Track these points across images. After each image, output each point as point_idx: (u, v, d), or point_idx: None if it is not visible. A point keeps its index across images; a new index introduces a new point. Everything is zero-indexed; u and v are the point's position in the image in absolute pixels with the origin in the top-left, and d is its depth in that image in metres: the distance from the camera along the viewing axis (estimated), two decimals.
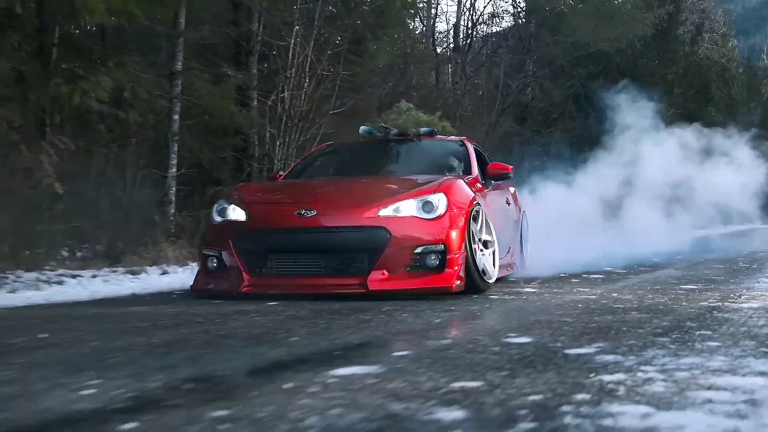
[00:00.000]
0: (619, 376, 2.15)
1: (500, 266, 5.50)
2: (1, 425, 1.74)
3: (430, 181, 5.09)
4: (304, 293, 4.57)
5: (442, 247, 4.60)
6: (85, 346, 2.98)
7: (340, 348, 2.79)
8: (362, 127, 6.95)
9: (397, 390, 2.01)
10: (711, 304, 4.12)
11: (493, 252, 5.26)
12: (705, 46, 33.61)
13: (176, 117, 9.50)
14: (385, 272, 4.54)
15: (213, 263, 4.92)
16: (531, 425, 1.66)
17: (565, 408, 1.80)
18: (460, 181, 5.17)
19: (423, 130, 6.77)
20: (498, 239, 5.43)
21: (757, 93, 43.76)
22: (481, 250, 5.03)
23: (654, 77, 23.84)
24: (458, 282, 4.64)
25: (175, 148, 9.51)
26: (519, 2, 20.91)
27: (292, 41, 10.91)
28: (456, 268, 4.63)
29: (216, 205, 5.19)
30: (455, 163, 6.17)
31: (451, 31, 20.21)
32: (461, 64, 19.94)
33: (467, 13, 20.51)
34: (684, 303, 4.21)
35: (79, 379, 2.23)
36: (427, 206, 4.71)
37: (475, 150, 6.40)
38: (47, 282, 6.00)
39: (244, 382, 2.23)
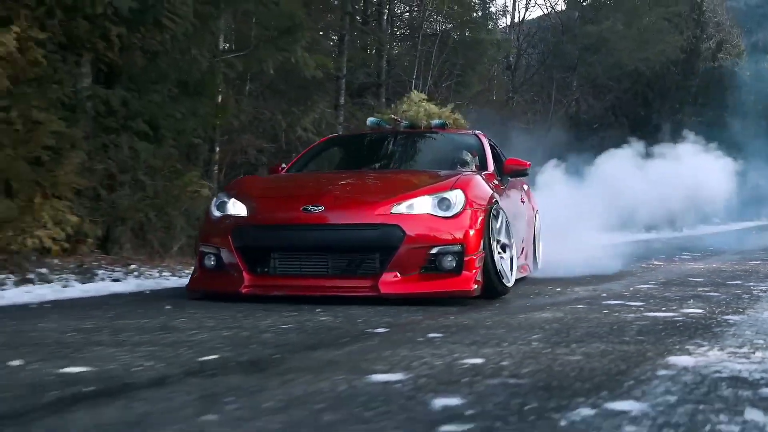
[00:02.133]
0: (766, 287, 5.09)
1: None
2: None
3: (446, 177, 4.78)
4: (310, 295, 4.32)
5: (459, 247, 4.29)
6: None
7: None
8: (370, 119, 6.72)
9: (672, 293, 4.94)
10: None
11: (511, 256, 4.98)
12: (721, 56, 36.67)
13: None
14: (398, 274, 4.23)
15: (211, 261, 4.57)
16: (747, 297, 4.57)
17: (754, 292, 4.73)
18: (478, 177, 4.86)
19: (435, 122, 6.54)
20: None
21: (765, 95, 46.68)
22: (500, 253, 4.74)
23: (679, 90, 26.96)
24: (476, 286, 4.32)
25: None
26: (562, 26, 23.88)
27: (414, 77, 14.12)
28: (474, 270, 4.32)
29: (215, 199, 4.85)
30: (468, 157, 5.77)
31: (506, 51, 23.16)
32: (512, 79, 22.96)
33: (518, 38, 23.48)
34: (761, 269, 7.17)
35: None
36: (444, 203, 4.39)
37: (490, 144, 5.98)
38: None
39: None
